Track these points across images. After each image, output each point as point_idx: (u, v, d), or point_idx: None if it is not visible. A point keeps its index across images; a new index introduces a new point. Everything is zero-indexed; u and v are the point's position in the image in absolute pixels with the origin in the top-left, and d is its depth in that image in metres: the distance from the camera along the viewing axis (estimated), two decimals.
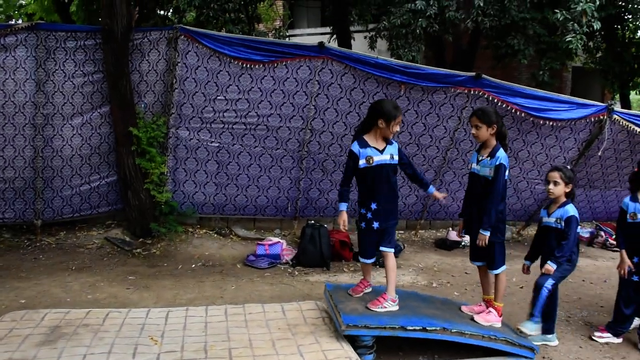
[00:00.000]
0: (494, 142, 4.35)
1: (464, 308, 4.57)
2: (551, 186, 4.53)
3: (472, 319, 4.36)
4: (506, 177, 4.33)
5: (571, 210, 4.49)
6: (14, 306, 4.83)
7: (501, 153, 4.29)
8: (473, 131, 4.42)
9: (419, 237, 8.47)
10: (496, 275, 4.46)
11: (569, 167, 4.86)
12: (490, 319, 4.37)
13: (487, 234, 4.27)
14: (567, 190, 4.54)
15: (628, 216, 4.71)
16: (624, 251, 4.72)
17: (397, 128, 4.33)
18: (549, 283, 4.40)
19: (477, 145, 4.60)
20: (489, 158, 4.32)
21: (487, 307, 4.50)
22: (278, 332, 4.05)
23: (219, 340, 3.87)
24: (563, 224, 4.46)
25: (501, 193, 4.31)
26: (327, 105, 7.09)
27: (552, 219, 4.57)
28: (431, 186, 4.61)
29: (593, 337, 4.77)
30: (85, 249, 6.80)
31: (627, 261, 4.67)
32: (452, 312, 4.44)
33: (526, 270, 4.83)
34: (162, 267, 6.38)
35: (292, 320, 4.28)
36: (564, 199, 4.55)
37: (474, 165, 4.46)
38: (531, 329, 4.36)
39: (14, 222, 6.95)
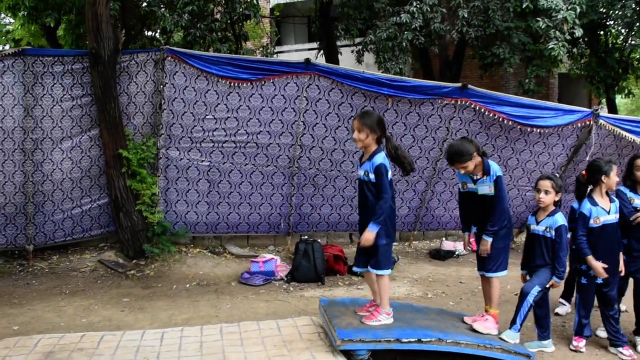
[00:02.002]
0: (479, 159, 4.32)
1: (467, 319, 4.57)
2: (542, 195, 4.50)
3: (471, 327, 4.37)
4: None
5: (560, 219, 4.49)
6: (7, 333, 4.79)
7: (494, 166, 4.32)
8: (462, 172, 4.38)
9: (412, 248, 8.49)
10: (491, 282, 4.47)
11: (557, 174, 4.89)
12: (488, 326, 4.38)
13: (490, 239, 4.32)
14: (557, 199, 4.53)
15: (591, 221, 4.54)
16: (591, 257, 4.52)
17: (354, 135, 4.25)
18: (535, 290, 4.39)
19: None
20: (485, 176, 4.33)
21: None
22: (274, 349, 4.05)
23: (214, 359, 3.86)
24: (553, 233, 4.46)
25: (505, 202, 4.41)
26: (316, 121, 7.13)
27: (541, 227, 4.55)
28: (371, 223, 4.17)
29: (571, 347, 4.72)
30: (78, 272, 6.76)
31: (599, 266, 4.50)
32: (447, 323, 4.45)
33: (525, 279, 4.71)
34: (156, 287, 6.35)
35: (287, 337, 4.28)
36: (552, 208, 4.55)
37: (471, 185, 4.45)
38: (512, 337, 4.30)
39: (5, 248, 6.91)
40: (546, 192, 4.49)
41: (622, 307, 5.31)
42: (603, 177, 4.53)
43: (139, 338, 4.27)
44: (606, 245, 4.54)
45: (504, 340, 4.27)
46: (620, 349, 4.54)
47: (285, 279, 6.71)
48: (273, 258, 6.93)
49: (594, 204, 4.56)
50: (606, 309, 4.63)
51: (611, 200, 4.62)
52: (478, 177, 4.36)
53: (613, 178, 4.55)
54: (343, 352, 3.89)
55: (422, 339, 3.96)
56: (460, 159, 4.26)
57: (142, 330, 4.59)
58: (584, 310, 4.67)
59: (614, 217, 4.56)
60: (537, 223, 4.60)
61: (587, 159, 7.72)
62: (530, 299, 4.37)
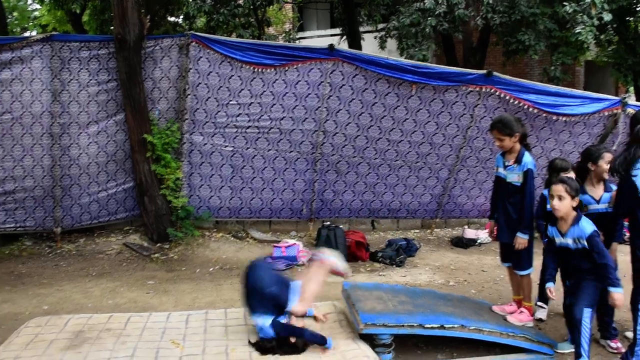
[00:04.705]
0: (518, 147, 4.33)
1: (495, 308, 4.58)
2: (555, 202, 3.92)
3: (504, 319, 4.37)
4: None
5: (588, 226, 3.87)
6: (38, 312, 4.93)
7: (527, 158, 4.28)
8: (496, 143, 4.41)
9: (434, 235, 8.47)
10: (522, 277, 4.46)
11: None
12: (523, 318, 4.37)
13: (526, 237, 4.30)
14: (575, 204, 3.92)
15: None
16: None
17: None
18: (587, 314, 3.82)
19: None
20: (515, 164, 4.32)
21: (519, 307, 4.50)
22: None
23: (239, 343, 3.91)
24: (586, 244, 3.84)
25: (533, 197, 4.31)
26: (339, 107, 7.13)
27: (568, 240, 3.96)
28: (520, 231, 4.34)
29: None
30: (104, 255, 6.90)
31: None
32: (470, 310, 4.45)
33: (552, 293, 4.08)
34: (180, 271, 6.45)
35: (309, 321, 4.31)
36: (573, 214, 3.94)
37: (501, 170, 4.46)
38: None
39: (34, 230, 7.07)
40: (560, 197, 3.90)
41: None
42: (590, 165, 4.38)
43: (164, 320, 4.34)
44: None
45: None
46: (608, 341, 4.41)
47: (308, 264, 6.74)
48: (295, 243, 6.98)
49: (583, 192, 4.34)
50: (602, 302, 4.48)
51: (606, 189, 4.39)
52: (509, 163, 4.35)
53: (602, 166, 4.32)
54: (365, 336, 3.91)
55: (445, 325, 3.97)
56: (502, 128, 4.27)
57: (167, 312, 4.66)
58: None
59: (604, 206, 4.35)
60: (563, 235, 3.99)
61: (614, 148, 7.61)
62: (586, 322, 3.79)
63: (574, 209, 3.93)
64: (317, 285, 3.89)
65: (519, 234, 4.31)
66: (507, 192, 4.41)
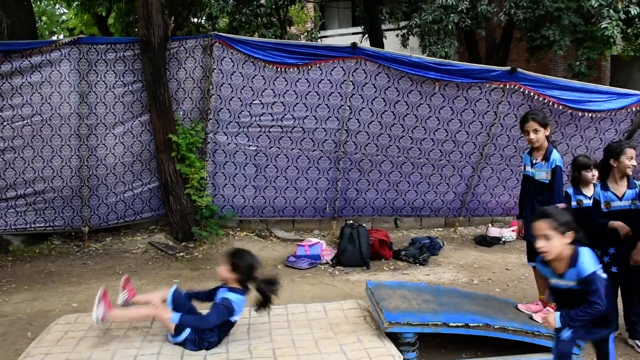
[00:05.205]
0: (546, 143, 4.32)
1: (520, 306, 4.54)
2: (541, 242, 3.09)
3: (530, 317, 4.33)
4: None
5: (589, 264, 3.05)
6: (67, 310, 5.04)
7: (555, 155, 4.26)
8: (532, 136, 4.35)
9: (458, 234, 8.42)
10: None
11: (562, 205, 4.23)
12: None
13: None
14: (568, 241, 3.08)
15: (602, 206, 4.36)
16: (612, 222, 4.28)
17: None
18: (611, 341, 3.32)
19: (528, 146, 4.56)
20: (543, 161, 4.29)
21: (545, 307, 4.46)
22: (320, 332, 4.10)
23: (262, 341, 3.94)
24: (586, 285, 3.05)
25: (561, 194, 4.27)
26: (362, 106, 7.13)
27: (568, 282, 3.15)
28: None
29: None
30: (130, 253, 7.01)
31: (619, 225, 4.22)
32: (495, 309, 4.42)
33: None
34: (204, 269, 6.52)
35: (333, 320, 4.32)
36: (568, 253, 3.10)
37: (529, 169, 4.44)
38: None
39: (63, 230, 7.23)
40: (546, 237, 3.07)
41: None
42: (612, 161, 4.31)
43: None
44: (617, 231, 4.28)
45: None
46: (637, 341, 4.32)
47: (331, 262, 6.78)
48: (319, 242, 7.01)
49: (605, 188, 4.35)
50: (624, 300, 4.37)
51: (630, 186, 4.31)
52: (537, 160, 4.33)
53: (624, 162, 4.25)
54: (389, 334, 3.92)
55: (470, 324, 3.94)
56: (540, 118, 4.26)
57: None
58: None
59: (627, 204, 4.29)
60: (561, 277, 3.18)
61: None
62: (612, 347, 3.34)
63: (573, 241, 3.09)
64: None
65: None
66: (535, 190, 4.38)
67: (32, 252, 7.05)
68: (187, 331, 3.71)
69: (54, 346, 3.75)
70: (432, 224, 8.62)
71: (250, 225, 8.00)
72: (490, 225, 8.47)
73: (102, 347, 3.74)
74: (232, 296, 3.80)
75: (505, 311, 4.41)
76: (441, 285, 5.83)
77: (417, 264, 6.76)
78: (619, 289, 4.43)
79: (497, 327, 4.00)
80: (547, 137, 4.36)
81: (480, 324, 3.97)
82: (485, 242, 7.87)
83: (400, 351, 3.78)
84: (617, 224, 4.24)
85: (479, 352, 4.21)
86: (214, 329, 3.74)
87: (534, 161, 4.38)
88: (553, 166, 4.22)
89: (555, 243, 3.05)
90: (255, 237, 7.69)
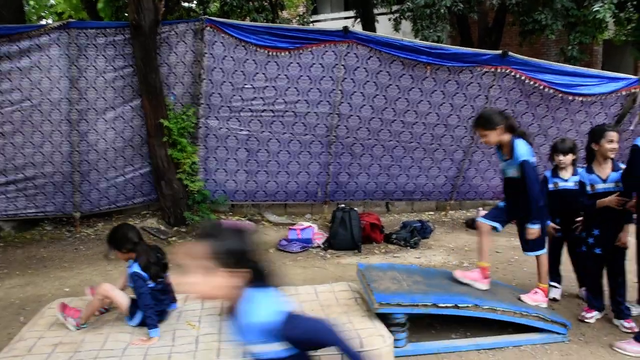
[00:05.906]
0: (507, 139, 4.20)
1: (456, 274, 4.51)
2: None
3: (518, 298, 4.38)
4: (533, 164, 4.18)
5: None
6: (60, 294, 5.06)
7: (520, 149, 4.12)
8: (482, 140, 4.34)
9: (448, 217, 8.48)
10: (537, 257, 4.46)
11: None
12: (537, 299, 4.37)
13: (537, 227, 4.22)
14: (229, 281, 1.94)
15: (587, 188, 4.44)
16: (599, 200, 4.39)
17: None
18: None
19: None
20: (510, 159, 4.23)
21: (484, 274, 4.48)
22: (311, 314, 4.13)
23: None
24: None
25: (537, 187, 4.17)
26: (354, 90, 7.13)
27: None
28: (530, 223, 4.27)
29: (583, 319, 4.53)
30: None
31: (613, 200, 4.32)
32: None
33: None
34: None
35: (325, 302, 4.36)
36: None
37: (501, 164, 4.42)
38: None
39: (54, 215, 7.23)
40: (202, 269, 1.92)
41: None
42: (593, 145, 4.37)
43: (181, 304, 4.42)
44: (603, 213, 4.34)
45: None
46: (622, 321, 4.39)
47: (322, 246, 6.81)
48: (310, 226, 7.04)
49: (590, 171, 4.44)
50: (609, 282, 4.47)
51: (615, 169, 4.38)
52: (506, 157, 4.29)
53: (604, 145, 4.29)
54: (380, 315, 3.96)
55: (459, 305, 4.00)
56: (483, 124, 4.18)
57: (183, 295, 4.74)
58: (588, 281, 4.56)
59: (611, 186, 4.35)
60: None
61: (631, 128, 7.54)
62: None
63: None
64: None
65: (529, 225, 4.23)
66: (512, 185, 4.36)
67: (24, 237, 7.05)
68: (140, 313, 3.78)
69: (47, 330, 3.77)
70: (424, 208, 8.67)
71: (243, 210, 8.02)
72: (481, 209, 8.51)
73: (94, 331, 3.77)
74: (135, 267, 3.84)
75: (494, 292, 4.46)
76: (432, 267, 5.89)
77: (408, 247, 6.81)
78: (604, 270, 4.49)
79: (486, 307, 4.05)
80: (513, 132, 4.21)
81: (470, 305, 4.02)
82: (476, 225, 7.90)
83: (391, 331, 3.82)
84: (607, 199, 4.31)
85: (468, 332, 4.27)
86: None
87: (504, 158, 4.32)
88: (519, 161, 4.12)
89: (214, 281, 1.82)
90: (248, 222, 7.71)
